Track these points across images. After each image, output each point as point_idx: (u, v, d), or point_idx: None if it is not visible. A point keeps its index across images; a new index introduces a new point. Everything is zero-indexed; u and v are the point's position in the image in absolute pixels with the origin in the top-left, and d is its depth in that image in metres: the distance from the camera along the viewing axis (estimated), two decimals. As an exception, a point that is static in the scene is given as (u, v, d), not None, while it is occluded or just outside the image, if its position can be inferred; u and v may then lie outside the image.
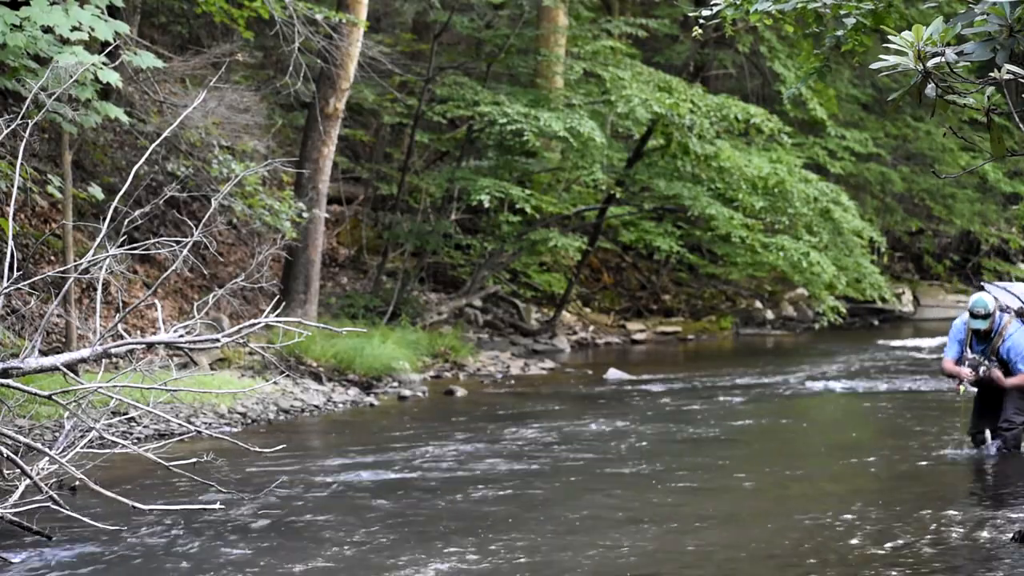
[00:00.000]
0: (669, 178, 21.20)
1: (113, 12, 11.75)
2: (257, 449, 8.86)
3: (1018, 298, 10.07)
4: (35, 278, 9.02)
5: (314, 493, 9.06)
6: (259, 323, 8.26)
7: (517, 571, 6.93)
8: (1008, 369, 9.98)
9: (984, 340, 9.99)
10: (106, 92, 12.48)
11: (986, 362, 9.94)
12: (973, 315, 9.90)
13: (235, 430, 11.92)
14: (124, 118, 11.85)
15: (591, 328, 22.99)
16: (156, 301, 9.02)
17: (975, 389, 10.21)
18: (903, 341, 22.73)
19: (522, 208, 19.47)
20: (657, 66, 23.01)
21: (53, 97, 9.48)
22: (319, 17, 15.66)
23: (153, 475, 9.26)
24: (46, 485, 7.68)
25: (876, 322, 27.49)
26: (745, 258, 22.28)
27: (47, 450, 7.79)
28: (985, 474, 10.04)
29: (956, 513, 8.23)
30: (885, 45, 4.85)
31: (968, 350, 10.03)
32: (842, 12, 7.27)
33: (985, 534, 7.63)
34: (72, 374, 8.14)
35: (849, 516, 8.19)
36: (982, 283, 10.42)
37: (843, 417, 13.82)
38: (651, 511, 8.50)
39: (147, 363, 9.24)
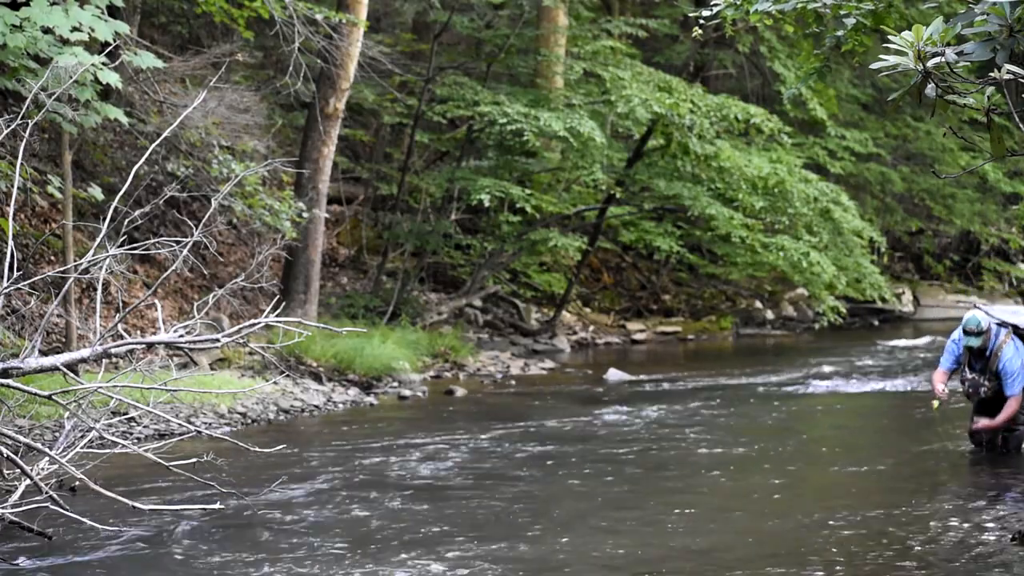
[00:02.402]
0: (669, 178, 21.20)
1: (113, 12, 11.75)
2: (257, 449, 8.86)
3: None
4: (35, 278, 9.02)
5: (314, 493, 9.06)
6: (259, 323, 8.27)
7: (518, 570, 6.93)
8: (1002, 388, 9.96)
9: (980, 358, 9.95)
10: (106, 92, 12.48)
11: (985, 383, 9.91)
12: (966, 332, 9.81)
13: (235, 430, 11.92)
14: (124, 119, 11.85)
15: (591, 328, 22.98)
16: (156, 301, 9.03)
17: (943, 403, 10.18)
18: (903, 341, 22.72)
19: (522, 208, 19.47)
20: (657, 66, 23.01)
21: (53, 97, 9.48)
22: (319, 17, 15.67)
23: (153, 475, 9.26)
24: (46, 485, 7.68)
25: (876, 322, 27.48)
26: (745, 258, 22.28)
27: (47, 450, 7.79)
28: (985, 474, 10.04)
29: (956, 513, 8.23)
30: (885, 45, 4.85)
31: (967, 370, 9.99)
32: (842, 12, 7.27)
33: (985, 534, 7.63)
34: (72, 374, 8.14)
35: (849, 516, 8.19)
36: (975, 304, 10.40)
37: (843, 417, 13.83)
38: (650, 510, 8.50)
39: (147, 363, 9.24)
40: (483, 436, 11.79)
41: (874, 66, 4.98)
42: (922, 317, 28.32)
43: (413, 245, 20.39)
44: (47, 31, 10.46)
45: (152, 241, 9.14)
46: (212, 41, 17.99)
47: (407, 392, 15.19)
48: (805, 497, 9.21)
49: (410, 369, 16.17)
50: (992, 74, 4.64)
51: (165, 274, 9.01)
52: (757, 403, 14.47)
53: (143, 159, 9.13)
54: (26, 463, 7.69)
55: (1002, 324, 9.95)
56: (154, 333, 12.88)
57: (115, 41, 10.60)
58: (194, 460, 8.56)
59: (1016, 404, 9.87)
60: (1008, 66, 4.60)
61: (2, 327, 11.71)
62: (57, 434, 9.47)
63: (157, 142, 9.54)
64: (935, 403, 10.04)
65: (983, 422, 10.01)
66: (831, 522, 8.04)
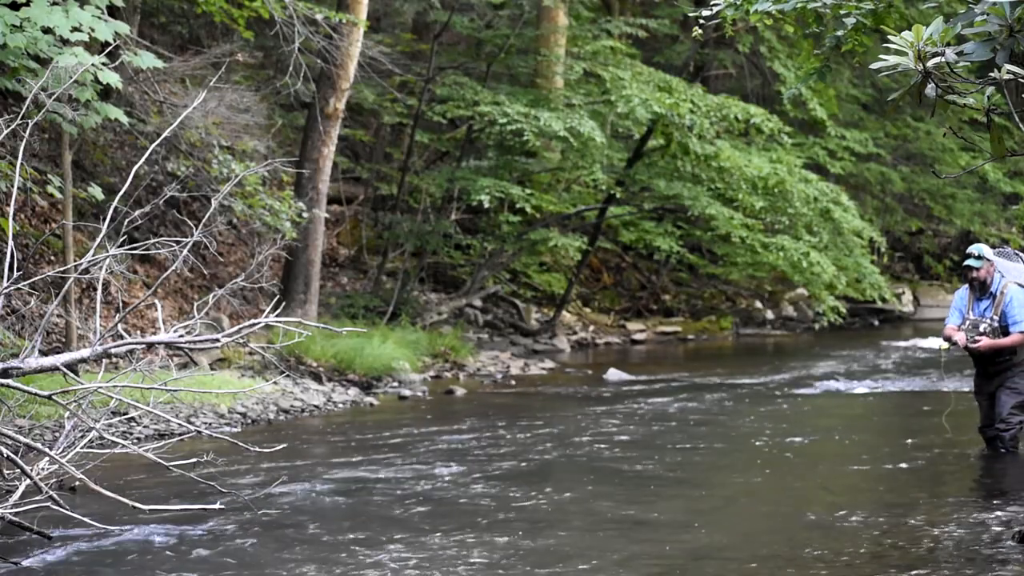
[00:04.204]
0: (669, 178, 21.22)
1: (113, 12, 11.75)
2: (257, 449, 8.86)
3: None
4: (35, 278, 9.02)
5: (314, 493, 9.06)
6: (259, 323, 8.26)
7: (516, 569, 6.93)
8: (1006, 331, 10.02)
9: (983, 295, 10.03)
10: (106, 92, 12.48)
11: (988, 319, 9.97)
12: (968, 255, 10.06)
13: (235, 430, 11.92)
14: (124, 119, 11.85)
15: (591, 328, 22.99)
16: (156, 301, 9.02)
17: (951, 347, 10.21)
18: (903, 341, 22.72)
19: (522, 208, 19.48)
20: (657, 66, 23.02)
21: (53, 97, 9.48)
22: (319, 17, 15.67)
23: (153, 475, 9.26)
24: (46, 485, 7.68)
25: (876, 322, 27.49)
26: (745, 258, 22.30)
27: (47, 450, 7.79)
28: (985, 474, 10.04)
29: (956, 513, 8.23)
30: (885, 45, 4.85)
31: (970, 313, 10.08)
32: (842, 12, 7.28)
33: (985, 534, 7.63)
34: (72, 374, 8.14)
35: (849, 516, 8.19)
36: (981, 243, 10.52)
37: (843, 417, 13.82)
38: (650, 511, 8.50)
39: (147, 363, 9.24)
40: (483, 436, 11.79)
41: (874, 66, 4.98)
42: (922, 317, 28.34)
43: (413, 245, 20.39)
44: (47, 31, 10.46)
45: (152, 241, 9.14)
46: (212, 41, 18.00)
47: (407, 392, 15.19)
48: (804, 496, 9.21)
49: (410, 369, 16.17)
50: (992, 74, 4.64)
51: (165, 274, 9.00)
52: (757, 403, 14.47)
53: (143, 159, 9.13)
54: (26, 463, 7.69)
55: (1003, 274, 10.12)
56: (154, 333, 12.88)
57: (115, 41, 10.59)
58: (194, 460, 8.56)
59: (1021, 338, 9.94)
60: (1008, 66, 4.60)
61: (2, 327, 11.71)
62: (57, 434, 9.47)
63: (157, 142, 9.54)
64: (944, 344, 10.10)
65: (985, 341, 10.00)
66: (830, 521, 8.04)
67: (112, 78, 10.70)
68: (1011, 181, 27.94)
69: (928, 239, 31.69)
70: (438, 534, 7.76)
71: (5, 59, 10.61)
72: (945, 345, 10.19)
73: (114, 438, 8.34)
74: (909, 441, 11.49)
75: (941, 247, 32.00)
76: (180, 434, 10.02)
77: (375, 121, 22.56)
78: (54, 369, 8.07)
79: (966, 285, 10.21)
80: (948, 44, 4.75)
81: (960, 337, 10.04)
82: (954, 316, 10.24)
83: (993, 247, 10.62)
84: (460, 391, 15.41)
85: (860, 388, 15.85)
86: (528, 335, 21.22)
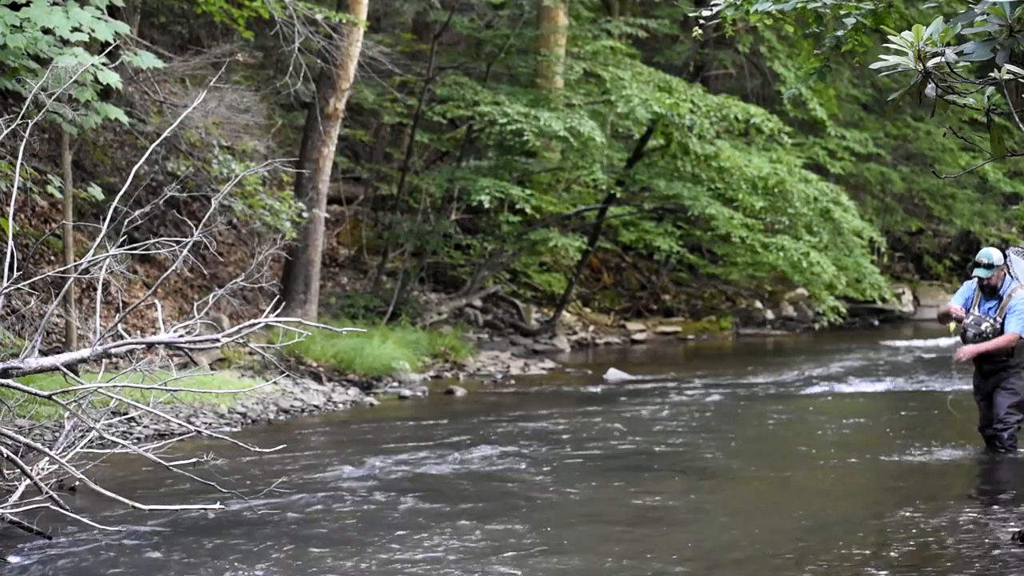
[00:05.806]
0: (669, 178, 21.22)
1: (113, 12, 11.75)
2: (257, 449, 8.86)
3: None
4: (35, 278, 9.02)
5: (314, 493, 9.06)
6: (259, 323, 8.27)
7: (538, 563, 6.93)
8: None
9: (992, 297, 10.05)
10: (106, 92, 12.48)
11: (991, 319, 9.98)
12: (977, 264, 10.11)
13: (235, 430, 11.92)
14: (124, 119, 11.85)
15: (591, 328, 22.99)
16: (156, 301, 9.03)
17: (959, 325, 10.21)
18: (903, 341, 22.72)
19: (522, 208, 19.48)
20: (657, 66, 23.02)
21: (53, 97, 9.48)
22: (319, 17, 15.68)
23: (153, 475, 9.26)
24: (46, 485, 7.68)
25: (876, 322, 27.49)
26: (745, 258, 22.30)
27: (47, 450, 7.79)
28: (985, 474, 10.05)
29: (956, 513, 8.23)
30: (885, 45, 4.85)
31: (976, 308, 10.11)
32: (842, 12, 7.28)
33: (985, 534, 7.63)
34: (72, 374, 8.14)
35: (849, 516, 8.19)
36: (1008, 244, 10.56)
37: (843, 417, 13.82)
38: (650, 510, 8.51)
39: (147, 363, 9.24)
40: (483, 436, 11.79)
41: (874, 66, 4.99)
42: (922, 317, 28.34)
43: (413, 245, 20.39)
44: (47, 32, 10.46)
45: (152, 241, 9.14)
46: (212, 41, 18.00)
47: (407, 392, 15.19)
48: (805, 497, 9.21)
49: (410, 369, 16.17)
50: (992, 74, 4.64)
51: (165, 274, 9.00)
52: (757, 403, 14.47)
53: (143, 159, 9.13)
54: (26, 463, 7.69)
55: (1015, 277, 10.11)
56: (154, 333, 12.88)
57: (115, 41, 10.59)
58: (194, 460, 8.56)
59: (1010, 340, 9.99)
60: (1008, 66, 4.60)
61: (2, 327, 11.71)
62: (57, 434, 9.47)
63: (157, 142, 9.54)
64: (952, 325, 10.14)
65: (968, 348, 10.04)
66: (830, 522, 8.04)
67: (112, 78, 10.70)
68: (1011, 181, 27.94)
69: (928, 239, 31.69)
70: (446, 531, 7.76)
71: (5, 59, 10.61)
72: (953, 325, 10.24)
73: (114, 438, 8.34)
74: (909, 441, 11.49)
75: (941, 247, 31.99)
76: (180, 434, 10.02)
77: (375, 121, 22.56)
78: (54, 369, 8.07)
79: (974, 261, 10.26)
80: (948, 44, 4.75)
81: (955, 309, 10.11)
82: (957, 299, 10.36)
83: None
84: (460, 391, 15.41)
85: (860, 388, 15.85)
86: (528, 335, 21.22)
